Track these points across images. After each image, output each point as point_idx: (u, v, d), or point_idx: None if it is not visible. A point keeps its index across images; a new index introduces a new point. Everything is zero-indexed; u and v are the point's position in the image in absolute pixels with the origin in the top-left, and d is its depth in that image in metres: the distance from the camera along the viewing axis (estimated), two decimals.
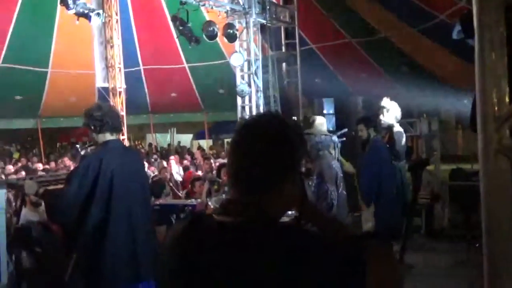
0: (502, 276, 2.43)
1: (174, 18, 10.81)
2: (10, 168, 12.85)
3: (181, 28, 10.76)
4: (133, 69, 16.96)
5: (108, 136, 4.13)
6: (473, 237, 7.30)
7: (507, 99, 2.43)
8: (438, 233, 9.19)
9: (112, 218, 3.89)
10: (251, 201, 1.56)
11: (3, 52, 15.71)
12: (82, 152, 5.34)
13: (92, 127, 4.09)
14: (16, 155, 20.85)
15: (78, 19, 8.55)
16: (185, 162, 14.86)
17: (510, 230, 2.40)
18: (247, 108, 12.03)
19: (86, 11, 8.63)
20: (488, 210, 2.42)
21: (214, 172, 10.22)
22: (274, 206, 1.59)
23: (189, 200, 6.75)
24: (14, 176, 9.37)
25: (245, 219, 1.53)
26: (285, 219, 1.71)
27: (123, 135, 9.80)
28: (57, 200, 4.00)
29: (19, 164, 15.17)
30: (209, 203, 6.15)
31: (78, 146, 6.34)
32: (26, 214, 5.76)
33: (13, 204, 6.28)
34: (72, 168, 14.54)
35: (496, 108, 2.40)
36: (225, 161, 12.22)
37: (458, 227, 9.04)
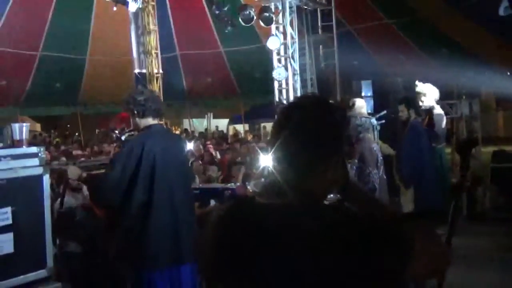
0: None
1: (210, 2, 10.81)
2: (51, 153, 13.08)
3: (217, 12, 10.75)
4: (169, 55, 17.08)
5: (150, 121, 4.17)
6: None
7: None
8: (480, 216, 9.04)
9: (155, 201, 3.94)
10: (296, 183, 1.55)
11: (42, 41, 16.00)
12: (123, 138, 5.41)
13: (135, 112, 4.13)
14: (56, 142, 21.28)
15: (115, 5, 8.61)
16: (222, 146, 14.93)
17: None
18: (284, 92, 11.98)
19: None
20: None
21: (253, 155, 10.22)
22: (318, 188, 1.59)
23: (229, 184, 6.75)
24: (55, 162, 9.53)
25: (291, 201, 1.53)
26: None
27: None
28: (101, 183, 4.05)
29: (60, 150, 15.46)
30: (248, 187, 6.15)
31: (116, 132, 6.38)
32: (69, 199, 5.87)
33: (56, 189, 6.41)
34: (112, 154, 14.81)
35: None
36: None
37: (500, 210, 8.90)
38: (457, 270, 5.65)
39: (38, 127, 25.16)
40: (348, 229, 1.45)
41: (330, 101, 1.74)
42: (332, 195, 1.84)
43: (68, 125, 30.92)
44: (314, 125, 1.58)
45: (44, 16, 15.48)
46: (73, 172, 4.36)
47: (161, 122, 4.71)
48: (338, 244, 1.42)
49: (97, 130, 29.37)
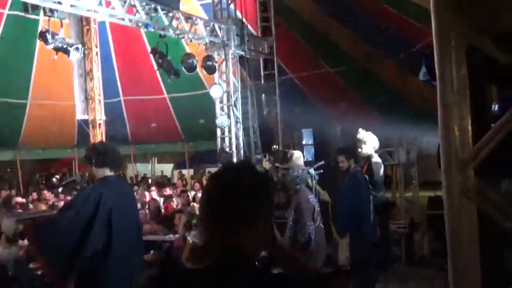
0: None
1: (154, 51, 10.86)
2: None
3: (160, 61, 10.81)
4: (113, 100, 16.98)
5: (107, 172, 4.33)
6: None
7: (470, 141, 2.49)
8: (419, 262, 9.24)
9: (112, 248, 4.05)
10: (223, 243, 1.60)
11: None
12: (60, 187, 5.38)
13: (94, 161, 4.28)
14: None
15: (56, 54, 8.57)
16: (166, 192, 14.83)
17: (476, 271, 2.44)
18: (226, 140, 12.07)
19: (65, 46, 8.64)
20: (454, 250, 2.46)
21: (192, 204, 10.22)
22: (246, 248, 1.64)
23: (168, 236, 6.72)
24: None
25: (217, 263, 1.57)
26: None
27: None
28: (51, 227, 4.10)
29: None
30: (188, 237, 6.13)
31: (57, 177, 6.32)
32: (4, 251, 5.69)
33: None
34: (51, 201, 14.48)
35: (459, 150, 2.46)
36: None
37: (438, 255, 9.10)
38: None
39: None
40: None
41: (255, 168, 1.83)
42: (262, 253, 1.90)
43: (8, 169, 30.04)
44: (240, 191, 1.65)
45: None
46: (8, 226, 4.33)
47: (118, 174, 4.85)
48: None
49: (37, 175, 28.66)
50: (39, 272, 5.03)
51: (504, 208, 2.44)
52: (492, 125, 2.69)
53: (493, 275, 2.60)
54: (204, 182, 18.77)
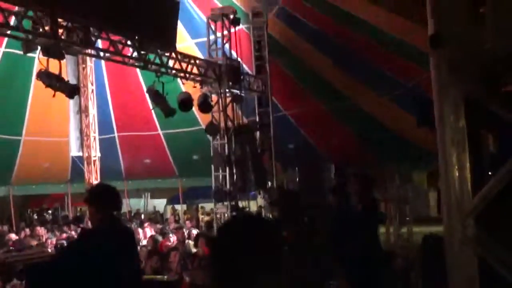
0: None
1: (150, 91, 10.93)
2: None
3: (156, 100, 10.88)
4: (107, 136, 17.03)
5: (107, 214, 4.31)
6: None
7: (470, 191, 2.56)
8: None
9: None
10: None
11: None
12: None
13: (94, 203, 4.29)
14: None
15: (54, 94, 8.63)
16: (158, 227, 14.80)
17: None
18: (221, 177, 12.12)
19: (63, 86, 8.70)
20: None
21: (187, 241, 10.19)
22: None
23: (164, 277, 6.71)
24: None
25: None
26: None
27: None
28: (48, 271, 4.10)
29: None
30: (186, 277, 6.14)
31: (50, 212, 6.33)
32: None
33: None
34: (44, 237, 14.38)
35: (460, 200, 2.53)
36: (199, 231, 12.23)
37: None
38: None
39: None
40: None
41: (260, 217, 1.89)
42: None
43: None
44: (250, 244, 1.69)
45: None
46: None
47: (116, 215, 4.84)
48: None
49: (28, 210, 28.42)
50: None
51: (504, 258, 2.49)
52: (490, 173, 2.78)
53: None
54: (199, 216, 18.77)
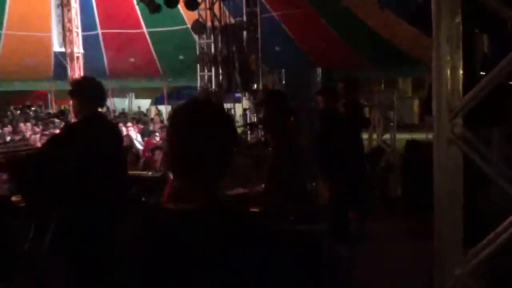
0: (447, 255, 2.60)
1: None
2: None
3: None
4: (90, 33, 16.64)
5: (92, 108, 4.22)
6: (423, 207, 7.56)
7: (461, 91, 2.55)
8: (392, 204, 9.44)
9: (97, 189, 3.99)
10: (201, 187, 1.63)
11: None
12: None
13: (80, 96, 4.19)
14: None
15: None
16: (140, 127, 14.82)
17: (459, 209, 2.55)
18: (206, 77, 12.00)
19: None
20: (440, 196, 2.56)
21: None
22: (219, 189, 1.69)
23: (149, 173, 6.78)
24: None
25: (200, 206, 1.60)
26: None
27: None
28: (33, 162, 4.09)
29: None
30: (170, 175, 6.19)
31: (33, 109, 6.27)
32: None
33: None
34: (28, 134, 14.37)
35: (450, 99, 2.52)
36: None
37: (411, 198, 9.29)
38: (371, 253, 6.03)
39: None
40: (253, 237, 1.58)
41: (217, 103, 1.85)
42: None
43: None
44: (210, 127, 1.65)
45: None
46: None
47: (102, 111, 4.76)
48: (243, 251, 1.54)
49: (11, 107, 28.23)
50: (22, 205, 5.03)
51: (487, 155, 2.53)
52: (482, 73, 2.75)
53: (470, 214, 2.72)
54: None
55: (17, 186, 4.64)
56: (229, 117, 1.75)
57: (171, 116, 1.76)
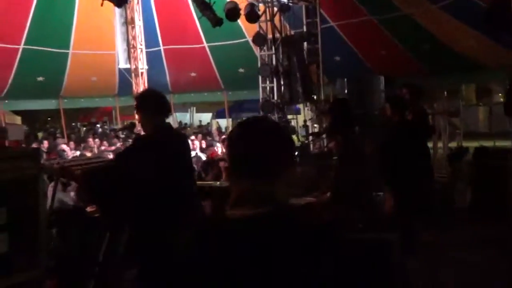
0: None
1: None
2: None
3: (203, 9, 10.70)
4: (153, 49, 17.04)
5: (160, 119, 4.27)
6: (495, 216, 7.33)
7: None
8: (460, 212, 9.19)
9: (170, 199, 4.02)
10: (264, 189, 1.62)
11: (25, 34, 15.83)
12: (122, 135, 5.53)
13: (146, 110, 4.25)
14: (39, 136, 21.17)
15: (102, 3, 8.59)
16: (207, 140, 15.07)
17: None
18: (268, 89, 12.06)
19: None
20: None
21: None
22: (282, 194, 1.66)
23: (217, 183, 6.86)
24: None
25: (261, 211, 1.59)
26: None
27: None
28: (108, 174, 4.17)
29: (44, 146, 15.45)
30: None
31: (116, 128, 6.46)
32: (63, 196, 5.91)
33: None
34: (96, 148, 14.83)
35: None
36: None
37: (480, 206, 9.02)
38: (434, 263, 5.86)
39: (18, 120, 24.93)
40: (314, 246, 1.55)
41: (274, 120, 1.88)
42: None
43: (49, 118, 30.73)
44: (267, 134, 1.69)
45: (27, 9, 15.30)
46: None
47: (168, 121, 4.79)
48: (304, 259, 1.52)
49: (78, 124, 29.29)
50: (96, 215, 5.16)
51: None
52: None
53: None
54: None
55: (92, 197, 4.75)
56: (285, 127, 1.81)
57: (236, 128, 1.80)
